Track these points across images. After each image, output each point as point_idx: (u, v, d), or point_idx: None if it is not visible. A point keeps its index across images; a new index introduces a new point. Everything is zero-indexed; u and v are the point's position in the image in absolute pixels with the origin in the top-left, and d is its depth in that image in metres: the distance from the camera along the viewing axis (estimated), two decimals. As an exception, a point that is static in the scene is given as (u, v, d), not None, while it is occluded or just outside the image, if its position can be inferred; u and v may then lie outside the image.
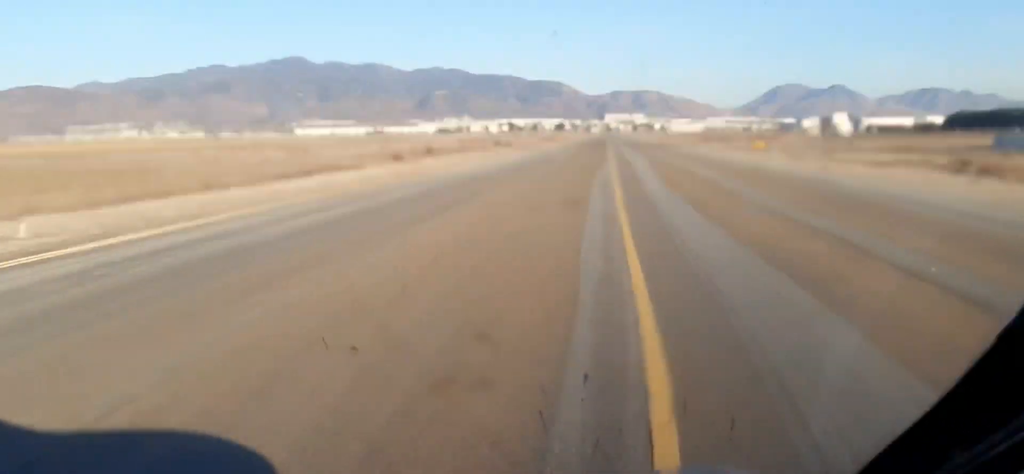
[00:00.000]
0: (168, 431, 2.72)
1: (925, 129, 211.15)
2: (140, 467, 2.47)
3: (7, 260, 6.74)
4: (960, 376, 0.54)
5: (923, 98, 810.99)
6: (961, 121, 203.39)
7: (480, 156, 37.48)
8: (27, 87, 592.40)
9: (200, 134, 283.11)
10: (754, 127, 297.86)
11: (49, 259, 6.84)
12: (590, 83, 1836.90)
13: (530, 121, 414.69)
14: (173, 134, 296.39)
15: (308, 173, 18.55)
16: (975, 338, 2.48)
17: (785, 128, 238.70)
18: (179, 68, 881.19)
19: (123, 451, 2.59)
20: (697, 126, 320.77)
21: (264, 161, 26.34)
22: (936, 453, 0.52)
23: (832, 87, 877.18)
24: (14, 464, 2.45)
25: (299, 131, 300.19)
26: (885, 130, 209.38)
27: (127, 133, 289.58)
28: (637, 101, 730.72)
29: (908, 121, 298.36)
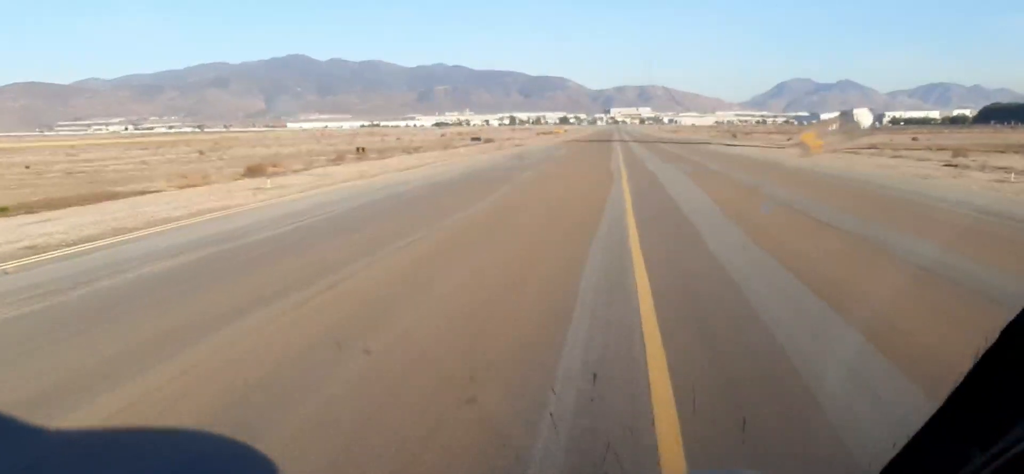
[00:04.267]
0: (173, 430, 2.66)
1: (954, 122, 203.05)
2: (146, 468, 2.41)
3: None
4: (967, 372, 0.54)
5: (934, 92, 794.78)
6: (994, 114, 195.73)
7: (417, 161, 24.59)
8: (24, 83, 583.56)
9: (188, 129, 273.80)
10: (768, 121, 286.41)
11: None
12: (594, 78, 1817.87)
13: (533, 115, 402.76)
14: (162, 128, 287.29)
15: (110, 198, 12.71)
16: None
17: (799, 121, 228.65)
18: (180, 65, 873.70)
19: (129, 452, 2.56)
20: (706, 120, 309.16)
21: (113, 172, 21.64)
22: (955, 453, 0.51)
23: (841, 82, 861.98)
24: (22, 463, 2.38)
25: (292, 125, 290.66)
26: (911, 122, 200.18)
27: (115, 128, 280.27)
28: (642, 95, 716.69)
29: (934, 114, 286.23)
